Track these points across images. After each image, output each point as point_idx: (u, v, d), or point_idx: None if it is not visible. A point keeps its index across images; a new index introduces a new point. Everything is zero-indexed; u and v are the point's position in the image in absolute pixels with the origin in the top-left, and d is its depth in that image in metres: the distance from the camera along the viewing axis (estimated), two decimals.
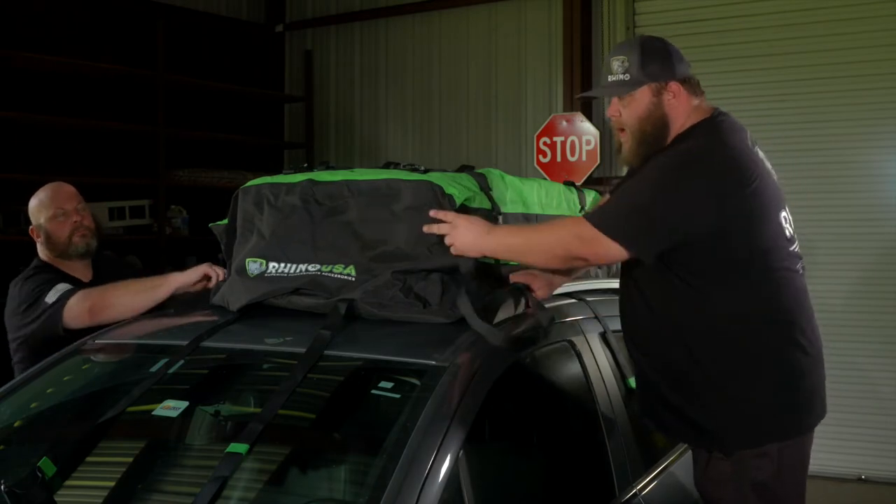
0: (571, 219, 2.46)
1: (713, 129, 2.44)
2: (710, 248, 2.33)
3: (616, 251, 2.34)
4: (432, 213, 2.39)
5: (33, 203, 3.20)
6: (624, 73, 2.45)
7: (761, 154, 2.48)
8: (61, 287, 2.95)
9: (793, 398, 2.42)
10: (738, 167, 2.35)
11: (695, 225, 2.31)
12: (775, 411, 2.40)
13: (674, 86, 2.44)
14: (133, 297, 2.80)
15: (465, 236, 2.36)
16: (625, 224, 2.34)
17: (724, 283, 2.35)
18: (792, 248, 2.46)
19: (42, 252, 3.19)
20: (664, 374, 2.46)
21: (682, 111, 2.46)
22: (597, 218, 2.36)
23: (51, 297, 2.91)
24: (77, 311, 2.83)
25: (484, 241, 2.38)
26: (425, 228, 2.38)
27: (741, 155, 2.39)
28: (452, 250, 2.37)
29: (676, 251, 2.34)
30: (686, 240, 2.32)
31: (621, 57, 2.46)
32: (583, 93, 2.66)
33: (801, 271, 2.49)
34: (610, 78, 2.48)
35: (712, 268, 2.35)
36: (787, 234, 2.46)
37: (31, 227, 3.21)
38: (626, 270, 2.52)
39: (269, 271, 2.52)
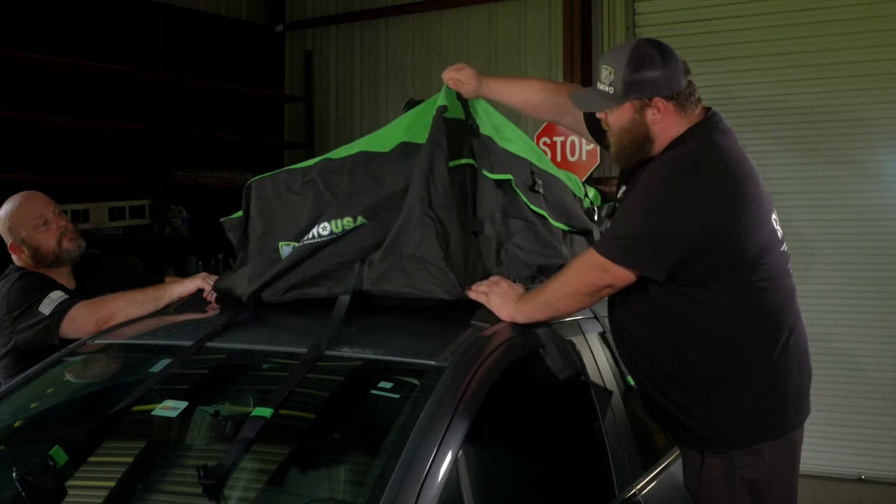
0: (583, 255, 2.44)
1: (704, 133, 2.40)
2: (704, 253, 2.31)
3: (633, 275, 2.33)
4: (472, 288, 2.45)
5: (5, 218, 3.03)
6: (609, 86, 2.39)
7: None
8: (56, 296, 2.87)
9: (781, 397, 2.43)
10: (730, 171, 2.33)
11: (695, 234, 2.28)
12: (765, 411, 2.41)
13: (659, 103, 2.37)
14: (137, 308, 2.79)
15: (501, 309, 2.41)
16: (630, 249, 2.31)
17: (715, 287, 2.34)
18: (782, 249, 2.46)
19: (24, 263, 3.04)
20: (656, 377, 2.47)
21: (667, 126, 2.40)
22: (605, 247, 2.35)
23: (46, 308, 2.84)
24: (82, 322, 2.79)
25: (517, 311, 2.41)
26: (470, 294, 2.44)
27: (734, 157, 2.37)
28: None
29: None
30: (692, 250, 2.30)
31: (609, 67, 2.39)
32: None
33: (790, 269, 2.49)
34: (598, 86, 2.43)
35: (705, 272, 2.33)
36: (779, 235, 2.45)
37: (9, 244, 3.03)
38: None
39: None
